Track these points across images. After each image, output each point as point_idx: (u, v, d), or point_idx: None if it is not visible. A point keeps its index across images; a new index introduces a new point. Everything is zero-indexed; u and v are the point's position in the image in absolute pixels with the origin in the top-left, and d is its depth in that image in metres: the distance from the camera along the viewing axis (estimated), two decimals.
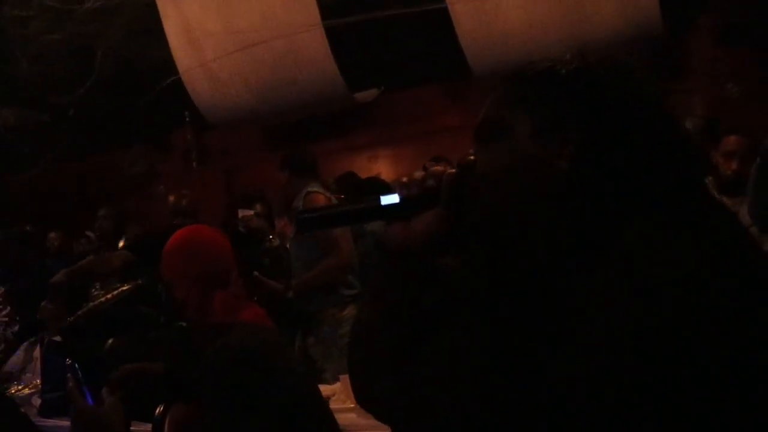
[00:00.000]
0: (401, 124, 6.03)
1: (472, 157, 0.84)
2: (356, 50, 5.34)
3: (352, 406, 2.16)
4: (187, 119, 6.28)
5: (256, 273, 3.07)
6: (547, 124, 0.77)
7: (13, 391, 2.93)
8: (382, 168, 6.16)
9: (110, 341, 2.54)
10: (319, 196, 3.18)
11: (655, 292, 0.64)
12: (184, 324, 2.77)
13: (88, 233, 5.19)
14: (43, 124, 6.55)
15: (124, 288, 2.89)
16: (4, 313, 3.98)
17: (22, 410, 2.59)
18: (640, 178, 0.73)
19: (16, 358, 3.33)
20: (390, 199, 0.85)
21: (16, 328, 3.88)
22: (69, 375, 1.55)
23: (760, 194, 2.60)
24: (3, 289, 4.02)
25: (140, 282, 3.03)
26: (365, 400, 0.88)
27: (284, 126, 6.11)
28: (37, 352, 3.19)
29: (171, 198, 3.90)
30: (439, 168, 0.86)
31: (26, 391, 2.91)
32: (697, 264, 0.66)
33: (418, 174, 0.87)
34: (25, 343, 3.39)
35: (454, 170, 0.84)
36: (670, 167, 0.75)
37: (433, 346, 0.77)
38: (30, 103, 6.50)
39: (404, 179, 0.87)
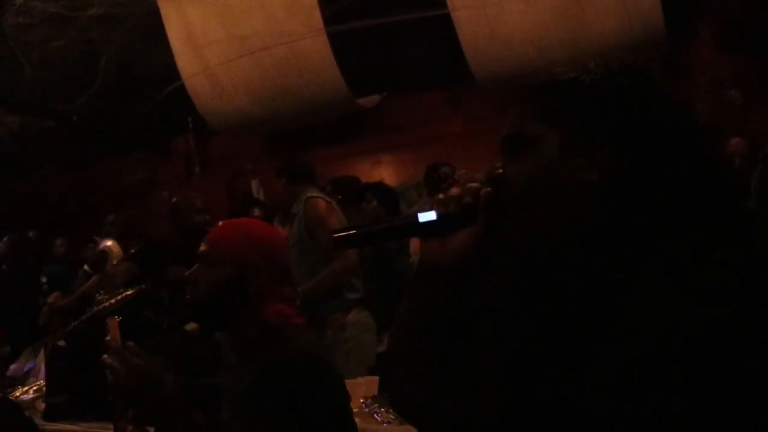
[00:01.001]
0: (403, 130, 6.05)
1: (500, 171, 0.84)
2: (359, 56, 5.36)
3: (356, 410, 2.17)
4: (190, 125, 6.31)
5: None
6: (575, 136, 0.76)
7: (17, 395, 2.93)
8: (384, 173, 6.17)
9: None
10: (319, 200, 3.19)
11: (711, 302, 0.63)
12: (187, 329, 2.77)
13: (96, 238, 5.20)
14: (47, 130, 6.58)
15: (128, 293, 2.89)
16: None
17: (27, 414, 2.59)
18: (674, 187, 0.72)
19: (20, 362, 3.33)
20: (428, 216, 0.86)
21: (7, 348, 3.89)
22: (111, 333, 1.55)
23: (764, 201, 2.61)
24: None
25: (143, 287, 3.04)
26: (405, 411, 0.89)
27: (286, 132, 6.13)
28: (41, 357, 3.20)
29: (181, 199, 3.86)
30: (475, 185, 0.86)
31: (30, 394, 2.92)
32: (749, 273, 0.65)
33: (455, 190, 0.87)
34: (29, 348, 3.39)
35: (488, 189, 0.84)
36: (704, 175, 0.73)
37: (468, 359, 0.77)
38: (33, 109, 6.52)
39: (441, 196, 0.88)
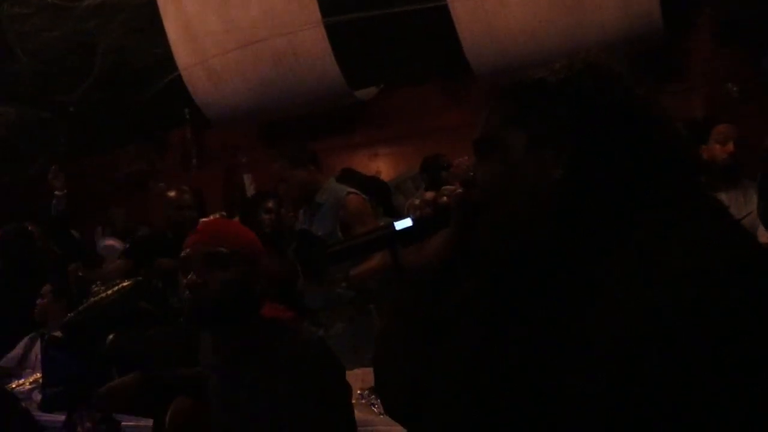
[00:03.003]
0: (401, 123, 6.04)
1: (472, 173, 0.86)
2: (357, 48, 5.34)
3: (353, 402, 2.17)
4: (187, 117, 6.29)
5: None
6: (540, 136, 0.78)
7: (14, 386, 2.93)
8: (382, 166, 6.17)
9: (110, 337, 2.54)
10: (359, 198, 3.13)
11: (678, 286, 0.64)
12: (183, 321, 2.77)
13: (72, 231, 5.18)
14: (43, 121, 6.55)
15: (125, 284, 2.89)
16: None
17: (24, 405, 2.60)
18: (636, 180, 0.74)
19: (16, 353, 3.33)
20: (403, 223, 0.88)
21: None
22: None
23: None
24: None
25: (140, 278, 3.04)
26: (393, 411, 0.90)
27: (284, 123, 6.12)
28: (37, 348, 3.20)
29: (171, 194, 3.87)
30: (449, 188, 0.88)
31: (27, 386, 2.92)
32: (713, 256, 0.67)
33: (429, 194, 0.89)
34: (26, 339, 3.39)
35: (459, 191, 0.86)
36: (664, 167, 0.76)
37: (446, 356, 0.78)
38: (30, 100, 6.49)
39: (416, 201, 0.89)
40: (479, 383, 0.74)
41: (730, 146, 3.11)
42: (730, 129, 3.21)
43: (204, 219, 2.94)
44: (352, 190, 3.18)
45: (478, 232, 0.83)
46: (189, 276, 1.55)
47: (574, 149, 0.76)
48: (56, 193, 4.14)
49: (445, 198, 0.86)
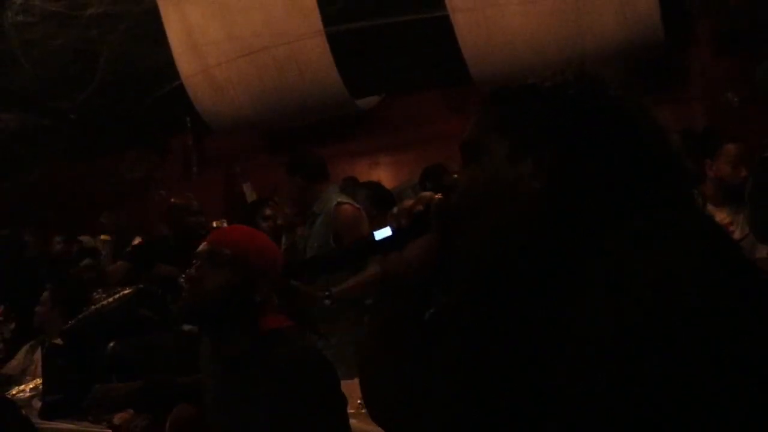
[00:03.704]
0: (402, 131, 6.05)
1: (454, 178, 0.86)
2: (358, 57, 5.37)
3: (353, 411, 2.17)
4: (189, 124, 6.30)
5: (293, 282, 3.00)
6: (522, 145, 0.78)
7: (14, 393, 2.93)
8: (383, 174, 6.18)
9: (111, 344, 2.54)
10: (349, 207, 3.08)
11: (636, 298, 0.64)
12: (186, 328, 2.78)
13: (81, 238, 5.19)
14: (45, 128, 6.57)
15: (126, 291, 2.89)
16: None
17: (23, 412, 2.60)
18: (614, 191, 0.74)
19: (17, 360, 3.33)
20: (383, 232, 0.88)
21: (13, 325, 3.87)
22: None
23: (759, 207, 2.62)
24: None
25: (141, 286, 3.04)
26: (372, 411, 0.91)
27: (285, 131, 6.13)
28: (37, 355, 3.20)
29: (180, 200, 3.84)
30: (427, 193, 0.88)
31: (27, 392, 2.92)
32: (675, 267, 0.66)
33: (408, 202, 0.89)
34: (26, 346, 3.39)
35: (438, 197, 0.86)
36: (645, 179, 0.75)
37: (430, 361, 0.79)
38: (32, 107, 6.52)
39: (395, 210, 0.90)
40: (465, 386, 0.74)
41: (743, 171, 3.04)
42: (741, 150, 3.13)
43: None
44: (344, 200, 3.13)
45: (457, 237, 0.83)
46: (188, 269, 1.57)
47: (555, 158, 0.75)
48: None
49: (420, 206, 0.87)
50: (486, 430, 0.72)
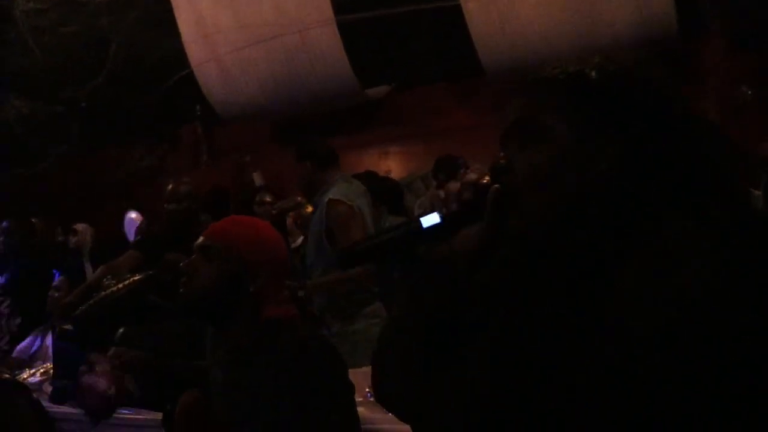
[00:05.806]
0: (412, 122, 6.03)
1: (502, 161, 0.84)
2: (369, 47, 5.35)
3: (361, 399, 2.17)
4: (199, 113, 6.31)
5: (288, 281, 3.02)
6: (588, 127, 0.78)
7: (25, 377, 2.95)
8: (392, 165, 6.17)
9: (121, 330, 2.55)
10: (341, 205, 3.06)
11: (688, 291, 0.65)
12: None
13: (76, 227, 5.19)
14: (55, 116, 6.59)
15: (136, 278, 2.90)
16: (5, 305, 4.00)
17: (35, 396, 2.62)
18: (679, 178, 0.75)
19: (27, 344, 3.35)
20: (431, 219, 0.84)
21: (19, 320, 3.90)
22: None
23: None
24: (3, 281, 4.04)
25: (151, 272, 3.04)
26: (386, 397, 0.89)
27: (294, 121, 6.13)
28: (48, 340, 3.22)
29: (176, 186, 3.81)
30: (472, 176, 0.86)
31: (38, 376, 2.94)
32: (729, 264, 0.67)
33: (453, 186, 0.87)
34: (36, 330, 3.41)
35: (496, 185, 0.84)
36: (710, 168, 0.76)
37: (466, 352, 0.77)
38: (42, 95, 6.54)
39: (441, 193, 0.87)
40: (510, 374, 0.73)
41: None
42: None
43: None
44: (336, 196, 3.10)
45: (516, 218, 0.81)
46: (184, 262, 1.58)
47: (620, 142, 0.76)
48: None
49: (467, 194, 0.85)
50: (532, 415, 0.71)
